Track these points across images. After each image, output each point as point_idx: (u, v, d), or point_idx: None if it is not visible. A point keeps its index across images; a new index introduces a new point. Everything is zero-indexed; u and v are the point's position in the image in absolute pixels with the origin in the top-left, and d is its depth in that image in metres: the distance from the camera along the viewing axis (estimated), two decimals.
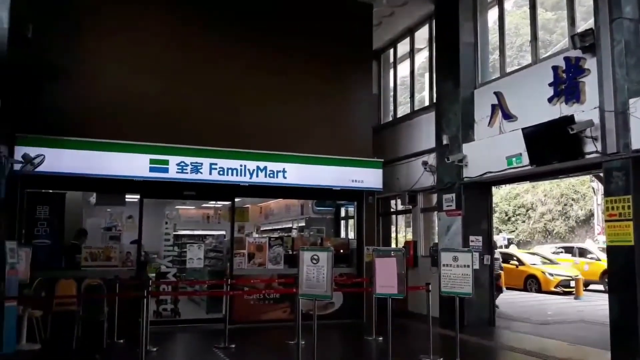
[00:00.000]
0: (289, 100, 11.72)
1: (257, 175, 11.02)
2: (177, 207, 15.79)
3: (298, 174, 11.32)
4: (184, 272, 11.81)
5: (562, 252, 21.99)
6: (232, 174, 10.85)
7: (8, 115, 8.84)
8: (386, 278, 7.52)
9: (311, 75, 12.02)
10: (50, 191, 10.66)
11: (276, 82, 11.66)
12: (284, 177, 11.21)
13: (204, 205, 16.39)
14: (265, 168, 11.08)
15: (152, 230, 12.35)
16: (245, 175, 10.95)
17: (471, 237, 11.02)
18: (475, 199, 11.16)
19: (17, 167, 9.34)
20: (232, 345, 8.95)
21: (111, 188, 10.69)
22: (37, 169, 9.50)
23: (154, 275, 11.08)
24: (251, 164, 11.00)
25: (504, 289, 18.08)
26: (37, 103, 10.02)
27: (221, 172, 10.77)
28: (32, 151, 9.45)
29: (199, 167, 10.62)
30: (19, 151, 9.45)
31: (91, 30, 10.60)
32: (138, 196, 10.84)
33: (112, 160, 10.12)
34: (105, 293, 9.32)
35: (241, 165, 10.92)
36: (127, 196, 11.48)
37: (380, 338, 9.55)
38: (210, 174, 10.70)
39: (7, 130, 8.99)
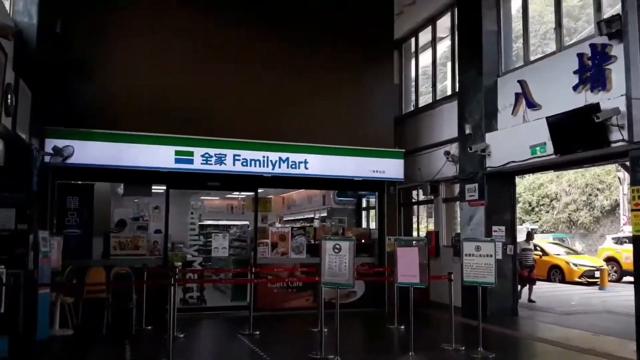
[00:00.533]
0: (310, 92, 11.82)
1: (279, 166, 11.16)
2: (202, 197, 16.06)
3: (319, 164, 11.44)
4: (209, 261, 12.05)
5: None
6: (254, 165, 11.02)
7: (39, 108, 9.08)
8: (408, 267, 7.60)
9: (332, 67, 12.10)
10: (80, 182, 10.94)
11: (298, 74, 11.77)
12: (306, 168, 11.33)
13: (228, 195, 16.64)
14: (287, 159, 11.22)
15: (178, 220, 12.62)
16: (267, 166, 11.09)
17: (494, 227, 10.99)
18: (498, 189, 11.12)
19: (47, 159, 9.62)
20: (257, 332, 9.13)
21: (138, 179, 10.94)
22: (66, 161, 9.80)
23: (180, 264, 11.35)
24: (273, 155, 11.14)
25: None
26: (66, 97, 10.27)
27: (244, 163, 10.94)
28: (62, 144, 9.77)
29: (222, 159, 10.79)
30: (49, 144, 9.76)
31: (118, 25, 10.81)
32: (164, 187, 11.07)
33: (138, 152, 10.37)
34: (133, 281, 9.52)
35: (263, 157, 11.07)
36: (153, 187, 11.72)
37: (402, 327, 9.64)
38: (234, 165, 10.88)
39: (38, 124, 9.24)
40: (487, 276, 7.90)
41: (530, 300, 13.04)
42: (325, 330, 7.90)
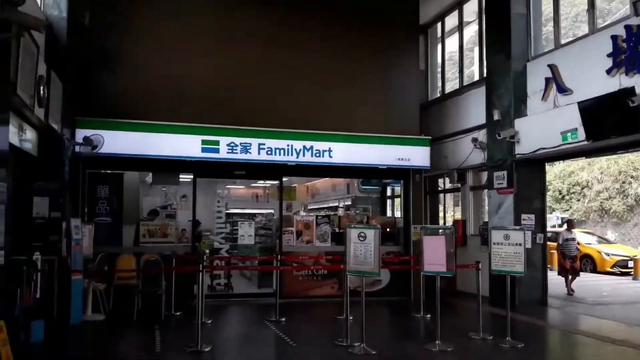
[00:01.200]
0: (335, 79, 11.77)
1: (303, 155, 11.18)
2: (228, 186, 16.22)
3: (344, 153, 11.42)
4: (235, 248, 12.19)
5: None
6: (279, 154, 11.05)
7: (69, 99, 9.26)
8: (434, 256, 7.58)
9: (357, 53, 12.03)
10: (109, 172, 11.14)
11: (322, 60, 11.75)
12: (330, 157, 11.33)
13: (253, 184, 16.77)
14: (311, 147, 11.22)
15: (205, 208, 12.79)
16: (292, 155, 11.12)
17: (523, 216, 10.82)
18: (527, 177, 10.93)
19: (78, 149, 9.82)
20: (283, 318, 9.22)
21: (166, 168, 11.09)
22: (96, 151, 9.99)
23: (208, 251, 11.50)
24: (298, 144, 11.15)
25: (557, 268, 17.82)
26: (96, 88, 10.46)
27: (269, 152, 10.99)
28: (92, 134, 9.97)
29: (248, 148, 10.86)
30: (80, 134, 9.96)
31: (144, 16, 10.94)
32: (191, 176, 11.20)
33: (166, 141, 10.50)
34: (162, 267, 9.68)
35: (288, 145, 11.10)
36: (181, 176, 11.86)
37: (428, 315, 9.61)
38: (259, 154, 10.93)
39: (69, 114, 9.42)
40: (516, 265, 7.79)
41: (569, 293, 12.66)
42: (351, 317, 7.96)
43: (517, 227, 8.36)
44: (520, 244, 7.75)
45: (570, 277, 12.94)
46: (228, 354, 7.24)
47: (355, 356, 6.90)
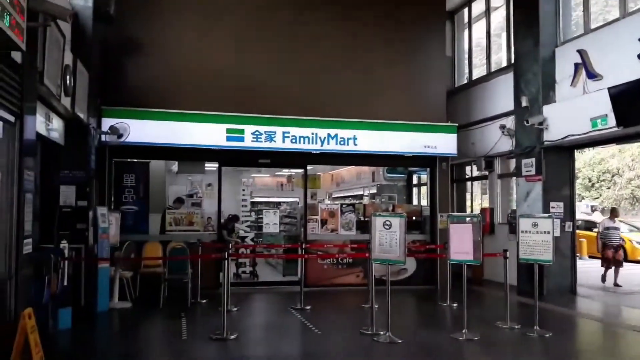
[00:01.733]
0: (359, 66, 11.65)
1: (328, 143, 11.10)
2: (253, 175, 16.29)
3: (369, 140, 11.30)
4: (260, 237, 12.23)
5: None
6: (303, 142, 10.99)
7: (95, 89, 9.33)
8: (461, 244, 7.47)
9: (382, 39, 11.89)
10: (135, 160, 11.22)
11: (346, 47, 11.64)
12: (355, 144, 11.22)
13: (278, 173, 16.78)
14: (336, 135, 11.14)
15: (230, 197, 12.85)
16: (316, 143, 11.05)
17: (552, 204, 10.65)
18: (556, 164, 10.74)
19: (104, 138, 9.91)
20: (308, 306, 9.22)
21: (191, 157, 11.14)
22: (122, 140, 10.06)
23: (236, 240, 11.57)
24: (322, 132, 11.08)
25: (586, 257, 17.49)
26: (122, 77, 10.53)
27: (293, 140, 10.94)
28: (118, 123, 10.03)
29: (272, 136, 10.83)
30: (106, 123, 10.03)
31: (169, 4, 10.95)
32: (216, 164, 11.24)
33: (191, 130, 10.52)
34: (187, 255, 9.74)
35: (312, 133, 11.03)
36: (206, 164, 11.92)
37: (455, 304, 9.51)
38: (283, 142, 10.89)
39: (95, 104, 9.49)
40: (544, 253, 7.66)
41: (616, 284, 12.08)
42: (376, 306, 7.92)
43: (546, 215, 8.21)
44: (548, 232, 7.61)
45: (613, 268, 12.28)
46: (253, 342, 7.25)
47: (381, 344, 6.87)
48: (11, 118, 5.25)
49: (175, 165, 12.63)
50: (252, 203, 14.54)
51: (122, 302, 9.20)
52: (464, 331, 7.24)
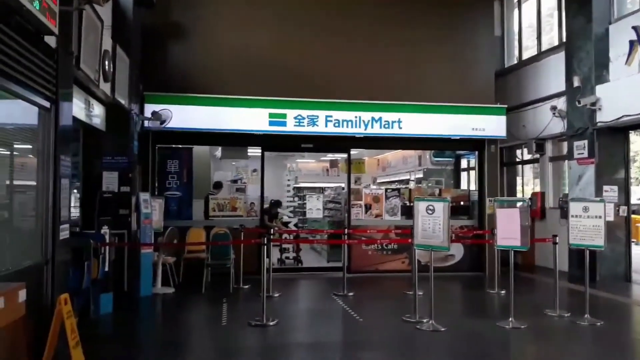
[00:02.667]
0: (405, 47, 11.32)
1: (371, 126, 10.86)
2: (298, 160, 16.20)
3: (414, 123, 10.99)
4: (305, 222, 12.15)
5: None
6: (347, 126, 10.79)
7: (137, 74, 9.38)
8: (509, 230, 7.14)
9: (428, 19, 11.52)
10: (179, 146, 11.28)
11: (391, 28, 11.32)
12: (400, 128, 10.93)
13: (323, 158, 16.63)
14: (380, 119, 10.87)
15: (274, 182, 12.79)
16: (359, 127, 10.83)
17: (605, 187, 10.17)
18: (610, 146, 10.22)
19: (147, 124, 9.98)
20: (351, 293, 9.08)
21: (234, 142, 11.13)
22: (164, 125, 10.11)
23: (278, 226, 11.52)
24: (366, 115, 10.83)
25: None
26: (164, 62, 10.59)
27: (336, 124, 10.75)
28: (160, 108, 10.08)
29: (315, 120, 10.67)
30: (148, 109, 10.10)
31: None
32: (259, 149, 11.18)
33: (233, 115, 10.49)
34: (228, 241, 9.71)
35: (356, 117, 10.80)
36: (250, 150, 11.88)
37: (503, 291, 9.18)
38: (326, 126, 10.71)
39: (137, 89, 9.56)
40: (596, 239, 7.26)
41: None
42: (420, 293, 7.73)
43: (597, 199, 7.76)
44: (600, 217, 7.20)
45: None
46: (293, 329, 7.17)
47: (423, 332, 6.66)
48: (46, 104, 5.26)
49: (218, 151, 12.65)
50: (297, 188, 14.45)
51: (164, 288, 9.27)
52: (510, 319, 6.95)
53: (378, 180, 16.97)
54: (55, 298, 4.92)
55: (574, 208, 7.50)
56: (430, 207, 6.89)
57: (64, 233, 5.58)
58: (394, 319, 7.33)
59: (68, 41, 5.71)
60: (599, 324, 7.02)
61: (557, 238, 7.83)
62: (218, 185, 11.70)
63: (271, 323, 6.94)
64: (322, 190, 15.02)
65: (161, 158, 10.88)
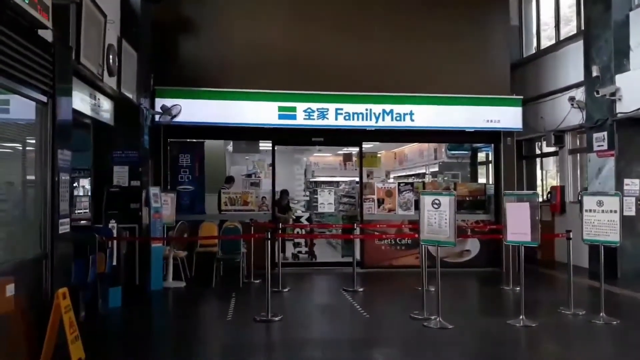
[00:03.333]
0: (416, 37, 11.11)
1: (383, 119, 10.66)
2: (315, 154, 16.11)
3: (426, 115, 10.76)
4: (322, 216, 12.06)
5: None
6: (357, 119, 10.63)
7: (146, 68, 9.36)
8: (519, 224, 6.94)
9: (440, 10, 11.25)
10: (193, 140, 11.26)
11: (401, 18, 11.12)
12: (412, 120, 10.72)
13: (339, 152, 16.51)
14: (391, 111, 10.67)
15: (290, 176, 12.72)
16: (370, 120, 10.65)
17: (626, 180, 9.85)
18: (630, 138, 9.88)
19: (157, 118, 9.98)
20: (361, 288, 8.96)
21: (245, 136, 11.11)
22: (175, 119, 10.11)
23: (287, 217, 11.45)
24: (377, 108, 10.64)
25: None
26: (174, 56, 10.56)
27: (347, 117, 10.60)
28: (170, 103, 10.08)
29: (325, 113, 10.54)
30: (159, 103, 10.10)
31: None
32: (270, 143, 11.10)
33: (243, 108, 10.42)
34: (235, 235, 9.64)
35: (366, 110, 10.62)
36: (261, 144, 11.81)
37: (518, 288, 8.90)
38: (336, 119, 10.57)
39: (147, 84, 9.54)
40: (611, 234, 6.98)
41: None
42: (432, 289, 7.57)
43: (612, 192, 7.47)
44: (615, 211, 6.92)
45: None
46: (297, 325, 7.06)
47: (430, 330, 6.50)
48: (43, 98, 5.23)
49: (230, 145, 12.63)
50: (311, 182, 14.37)
51: (176, 282, 9.27)
52: (521, 317, 6.75)
53: (395, 174, 16.78)
54: (54, 292, 4.90)
55: (588, 202, 7.24)
56: (436, 202, 6.73)
57: (64, 227, 5.57)
58: (402, 316, 7.20)
59: (65, 35, 5.69)
60: (614, 322, 6.77)
61: (571, 233, 7.59)
62: (230, 180, 11.66)
63: (276, 319, 6.87)
64: (337, 184, 14.92)
65: (173, 152, 10.89)
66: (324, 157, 17.39)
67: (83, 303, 6.68)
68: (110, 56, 7.36)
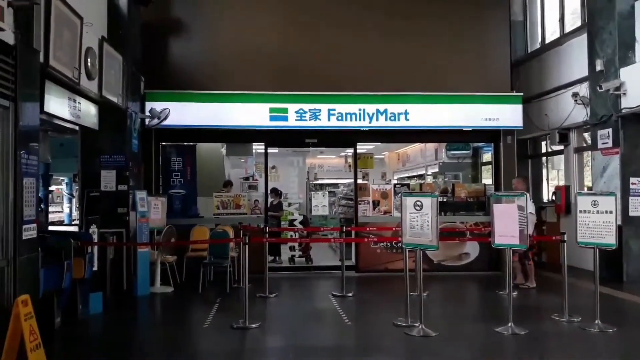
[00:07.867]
0: (409, 34, 10.86)
1: (377, 119, 10.43)
2: (319, 156, 15.89)
3: (421, 115, 10.51)
4: (312, 219, 11.85)
5: None
6: (350, 119, 10.41)
7: (132, 71, 9.25)
8: (506, 226, 6.65)
9: (436, 4, 11.00)
10: (184, 144, 11.15)
11: (396, 15, 10.88)
12: (406, 120, 10.47)
13: (342, 153, 16.28)
14: (385, 111, 10.43)
15: (290, 179, 12.53)
16: (364, 120, 10.43)
17: (632, 179, 9.46)
18: (636, 134, 9.48)
19: (147, 122, 9.88)
20: (350, 293, 8.71)
21: (237, 138, 10.95)
22: (166, 123, 9.99)
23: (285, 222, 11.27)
24: (370, 107, 10.42)
25: None
26: (164, 59, 10.47)
27: (339, 118, 10.39)
28: (159, 106, 9.96)
29: (317, 114, 10.34)
30: (149, 107, 9.99)
31: None
32: (262, 145, 10.93)
33: (234, 111, 10.30)
34: (228, 239, 9.48)
35: (360, 109, 10.40)
36: (255, 146, 11.65)
37: (515, 293, 8.59)
38: (329, 120, 10.38)
39: (134, 87, 9.43)
40: (606, 236, 6.65)
41: None
42: (425, 294, 7.27)
43: (607, 192, 7.12)
44: (611, 212, 6.59)
45: None
46: (274, 332, 6.84)
47: (411, 338, 6.22)
48: (4, 102, 5.12)
49: (224, 148, 12.49)
50: (315, 185, 14.16)
51: (163, 287, 9.12)
52: (509, 325, 6.44)
53: (398, 175, 16.48)
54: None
55: (582, 202, 6.92)
56: (418, 203, 6.47)
57: (29, 233, 5.46)
58: (385, 323, 6.93)
59: (29, 38, 5.56)
60: (610, 330, 6.42)
61: (565, 235, 7.27)
62: (227, 184, 11.52)
63: (253, 326, 6.66)
64: (337, 186, 14.69)
65: (165, 156, 10.78)
66: (328, 159, 17.18)
67: (59, 309, 6.57)
68: (89, 59, 7.24)
